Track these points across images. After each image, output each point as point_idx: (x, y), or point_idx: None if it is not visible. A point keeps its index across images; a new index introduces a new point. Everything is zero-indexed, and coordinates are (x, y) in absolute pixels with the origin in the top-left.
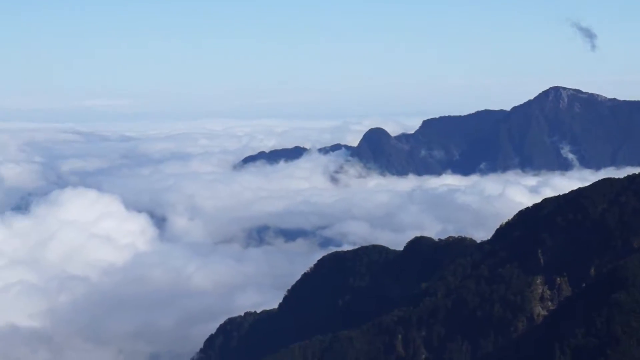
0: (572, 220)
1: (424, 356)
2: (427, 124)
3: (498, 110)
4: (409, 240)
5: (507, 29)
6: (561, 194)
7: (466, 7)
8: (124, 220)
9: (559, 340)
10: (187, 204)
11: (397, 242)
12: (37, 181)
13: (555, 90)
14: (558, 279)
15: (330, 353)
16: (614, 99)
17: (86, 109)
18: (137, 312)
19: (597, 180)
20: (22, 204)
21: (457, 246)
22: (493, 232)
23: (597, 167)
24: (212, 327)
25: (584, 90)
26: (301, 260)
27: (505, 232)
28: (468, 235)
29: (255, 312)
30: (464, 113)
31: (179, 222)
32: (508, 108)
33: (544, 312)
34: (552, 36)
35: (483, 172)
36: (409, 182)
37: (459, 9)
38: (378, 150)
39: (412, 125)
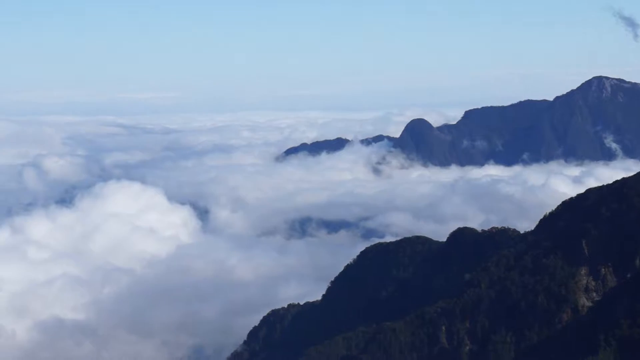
0: (617, 210)
1: (467, 347)
2: (469, 115)
3: (541, 101)
4: (452, 231)
5: (550, 19)
6: (605, 184)
7: None
8: (167, 212)
9: (604, 331)
10: (229, 196)
11: (440, 233)
12: (80, 174)
13: (599, 80)
14: (603, 269)
15: (373, 344)
16: None
17: (129, 102)
18: (180, 304)
19: None
20: (66, 197)
21: (501, 237)
22: (536, 222)
23: None
24: (255, 319)
25: (627, 79)
26: (344, 251)
27: (548, 222)
28: (511, 226)
29: (298, 304)
30: (506, 103)
31: (221, 214)
32: (551, 98)
33: (588, 303)
34: (594, 26)
35: (526, 163)
36: (451, 173)
37: None
38: (420, 141)
39: (454, 115)
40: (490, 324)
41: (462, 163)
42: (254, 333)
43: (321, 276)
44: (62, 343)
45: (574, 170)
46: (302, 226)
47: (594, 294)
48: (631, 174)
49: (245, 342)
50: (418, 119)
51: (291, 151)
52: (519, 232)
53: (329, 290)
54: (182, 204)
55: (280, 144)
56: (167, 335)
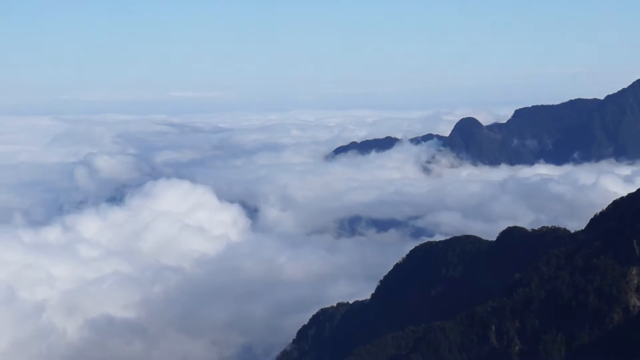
0: None
1: (517, 347)
2: (519, 114)
3: (591, 99)
4: (501, 230)
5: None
6: None
7: None
8: (217, 211)
9: None
10: (279, 194)
11: (489, 232)
12: (130, 173)
13: None
14: None
15: (423, 344)
16: None
17: (179, 101)
18: (230, 303)
19: None
20: (116, 195)
21: (551, 236)
22: (587, 222)
23: None
24: (304, 318)
25: None
26: (393, 250)
27: (599, 222)
28: (561, 226)
29: (347, 302)
30: (556, 102)
31: (271, 212)
32: (601, 97)
33: (639, 304)
34: None
35: (576, 162)
36: (501, 172)
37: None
38: (470, 140)
39: (504, 114)
40: (540, 323)
41: (512, 162)
42: (303, 332)
43: (370, 275)
44: (112, 341)
45: (625, 170)
46: (351, 225)
47: None
48: None
49: (294, 341)
50: (468, 118)
51: (340, 150)
52: (569, 231)
53: (378, 289)
54: (232, 202)
55: (330, 143)
56: (216, 334)
